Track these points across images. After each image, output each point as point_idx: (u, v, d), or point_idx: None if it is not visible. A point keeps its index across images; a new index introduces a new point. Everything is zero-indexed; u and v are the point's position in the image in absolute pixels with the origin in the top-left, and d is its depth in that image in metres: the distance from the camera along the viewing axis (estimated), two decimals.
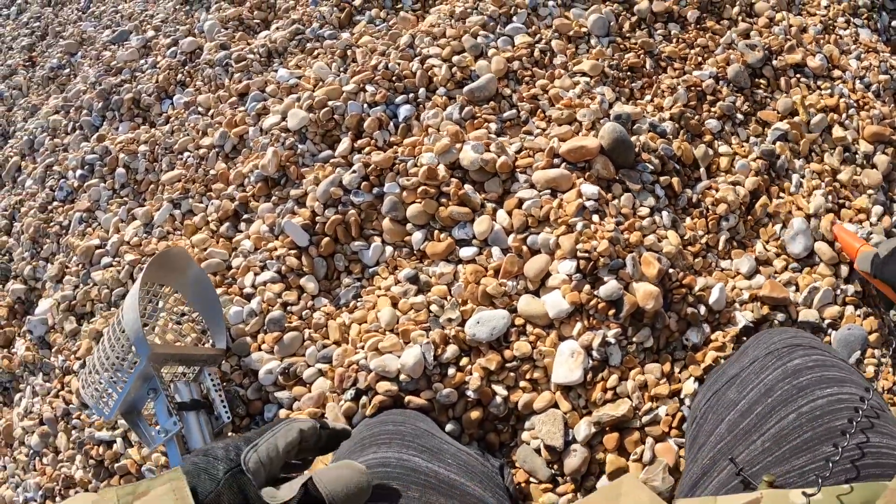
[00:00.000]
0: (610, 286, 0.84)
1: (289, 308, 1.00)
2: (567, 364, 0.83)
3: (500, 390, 0.86)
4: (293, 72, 1.20)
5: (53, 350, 1.19)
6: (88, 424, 1.06)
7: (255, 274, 1.03)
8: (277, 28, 1.30)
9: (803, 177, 1.08)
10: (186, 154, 1.22)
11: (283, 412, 0.93)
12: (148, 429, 0.84)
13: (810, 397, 0.52)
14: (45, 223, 1.32)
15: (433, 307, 0.92)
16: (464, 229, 0.94)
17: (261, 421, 0.96)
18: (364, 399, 0.88)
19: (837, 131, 1.14)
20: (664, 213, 0.95)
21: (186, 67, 1.35)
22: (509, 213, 0.93)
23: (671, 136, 1.04)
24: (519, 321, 0.88)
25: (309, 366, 0.95)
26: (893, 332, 0.95)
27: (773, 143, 1.09)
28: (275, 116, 1.14)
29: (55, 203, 1.33)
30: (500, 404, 0.86)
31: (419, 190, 0.97)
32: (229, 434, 0.94)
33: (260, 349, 0.98)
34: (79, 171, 1.32)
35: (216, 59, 1.30)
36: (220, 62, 1.29)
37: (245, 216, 1.11)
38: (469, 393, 0.86)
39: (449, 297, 0.92)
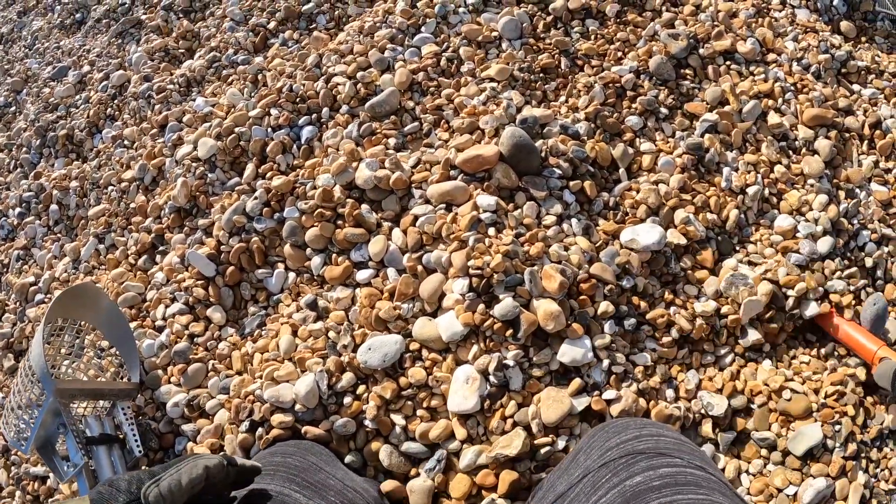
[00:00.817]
0: (504, 305, 0.75)
1: (195, 339, 0.93)
2: (462, 391, 0.75)
3: (399, 419, 0.78)
4: (208, 100, 1.14)
5: None
6: (25, 460, 1.01)
7: (166, 306, 0.97)
8: (199, 56, 1.24)
9: (736, 170, 0.97)
10: (111, 188, 1.17)
11: (189, 445, 0.87)
12: (60, 463, 0.81)
13: None
14: None
15: (331, 333, 0.84)
16: (360, 251, 0.87)
17: (172, 454, 0.89)
18: (260, 430, 0.81)
19: (773, 118, 1.03)
20: (573, 221, 0.86)
21: (115, 101, 1.30)
22: (404, 232, 0.85)
23: (586, 137, 0.94)
24: (414, 346, 0.79)
25: (212, 397, 0.88)
26: None
27: (702, 135, 0.99)
28: (187, 146, 1.09)
29: None
30: (399, 434, 0.78)
31: (316, 213, 0.89)
32: (143, 468, 0.89)
33: (169, 381, 0.91)
34: (17, 209, 1.29)
35: (140, 92, 1.25)
36: (143, 94, 1.24)
37: (161, 248, 1.05)
38: (367, 422, 0.78)
39: (346, 323, 0.84)
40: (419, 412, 0.78)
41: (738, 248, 0.92)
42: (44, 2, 1.79)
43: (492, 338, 0.76)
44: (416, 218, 0.84)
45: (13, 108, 1.50)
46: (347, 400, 0.79)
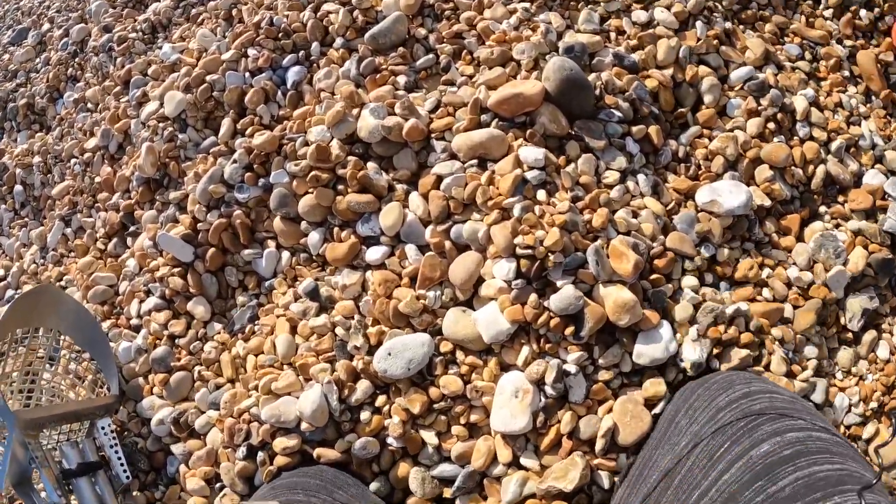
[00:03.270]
0: (564, 295, 0.50)
1: (177, 341, 0.69)
2: (509, 406, 0.51)
3: (430, 437, 0.55)
4: (176, 46, 0.85)
5: None
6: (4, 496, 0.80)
7: (140, 301, 0.72)
8: None
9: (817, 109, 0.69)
10: (73, 161, 0.90)
11: (182, 468, 0.64)
12: (40, 501, 0.59)
13: None
14: None
15: (339, 330, 0.60)
16: (368, 223, 0.61)
17: (164, 475, 0.67)
18: (262, 455, 0.58)
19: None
20: (640, 177, 0.60)
21: (77, 59, 1.01)
22: (425, 197, 0.59)
23: (643, 69, 0.66)
24: (446, 346, 0.55)
25: (201, 412, 0.65)
26: None
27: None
28: (153, 103, 0.80)
29: None
30: (432, 454, 0.55)
31: (310, 177, 0.63)
32: (134, 494, 0.66)
33: (152, 392, 0.68)
34: None
35: (100, 45, 0.95)
36: (104, 47, 0.95)
37: (132, 228, 0.79)
38: (391, 441, 0.55)
39: (356, 316, 0.60)
40: (455, 429, 0.55)
41: (822, 209, 0.65)
42: None
43: (547, 337, 0.52)
44: (439, 178, 0.58)
45: None
46: (365, 415, 0.56)
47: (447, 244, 0.56)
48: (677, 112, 0.65)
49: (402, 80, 0.65)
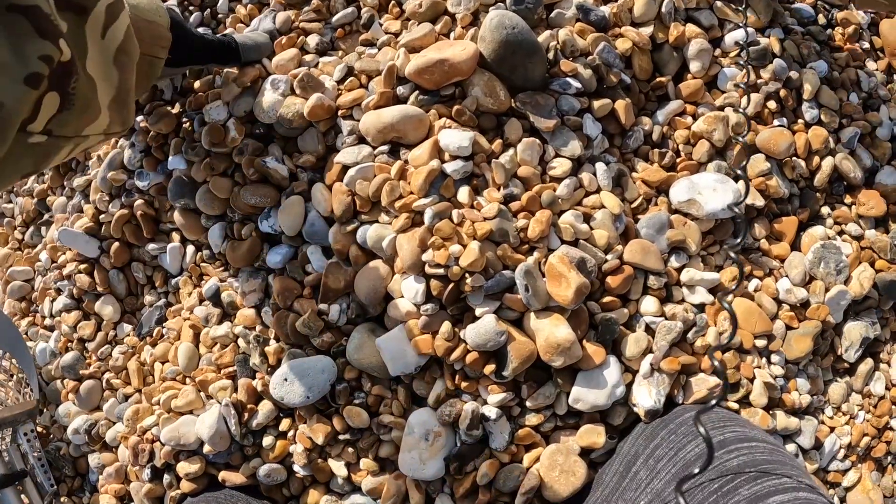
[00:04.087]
0: (482, 328, 0.38)
1: (86, 345, 0.61)
2: (418, 449, 0.41)
3: (339, 468, 0.46)
4: None
5: None
6: None
7: (52, 300, 0.64)
8: None
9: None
10: None
11: (100, 480, 0.58)
12: None
13: None
14: None
15: (241, 342, 0.50)
16: (268, 220, 0.49)
17: (88, 482, 0.61)
18: (168, 478, 0.51)
19: None
20: (599, 166, 0.46)
21: None
22: (330, 189, 0.46)
23: (614, 26, 0.50)
24: (350, 373, 0.45)
25: (112, 424, 0.58)
26: None
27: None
28: None
29: None
30: (342, 484, 0.47)
31: (204, 163, 0.51)
32: (62, 500, 0.61)
33: (68, 397, 0.61)
34: None
35: None
36: None
37: (46, 216, 0.69)
38: (297, 469, 0.47)
39: (259, 326, 0.50)
40: (364, 461, 0.45)
41: (824, 211, 0.51)
42: None
43: (464, 372, 0.41)
44: (344, 168, 0.45)
45: None
46: (268, 440, 0.48)
47: (353, 250, 0.44)
48: (654, 81, 0.50)
49: (313, 41, 0.51)
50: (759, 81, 0.50)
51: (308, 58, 0.50)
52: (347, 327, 0.45)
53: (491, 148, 0.44)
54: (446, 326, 0.40)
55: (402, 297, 0.41)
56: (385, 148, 0.44)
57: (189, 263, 0.56)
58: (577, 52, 0.47)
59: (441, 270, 0.39)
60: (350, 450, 0.46)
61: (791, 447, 0.44)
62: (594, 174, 0.45)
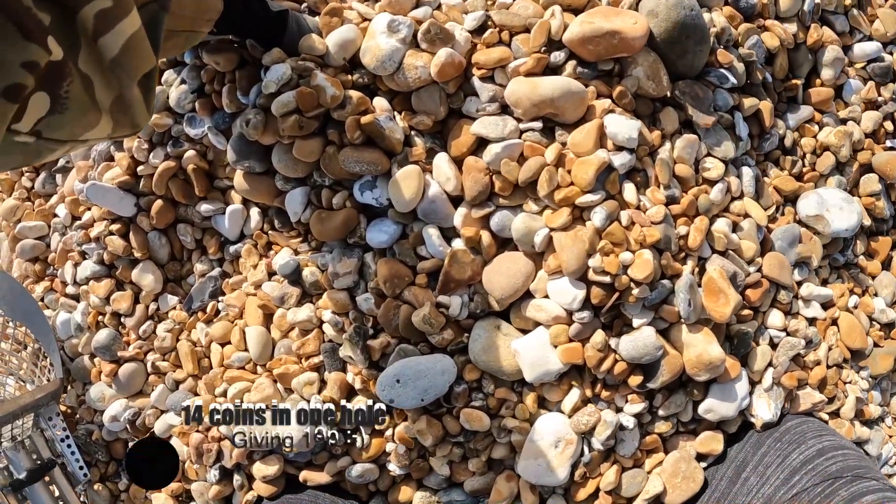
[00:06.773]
0: (642, 341, 0.35)
1: (122, 320, 0.50)
2: (547, 457, 0.38)
3: (441, 467, 0.42)
4: None
5: None
6: None
7: (75, 264, 0.51)
8: None
9: None
10: None
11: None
12: None
13: None
14: None
15: (328, 328, 0.43)
16: (371, 191, 0.41)
17: (121, 467, 0.53)
18: (238, 479, 0.44)
19: None
20: (745, 170, 0.43)
21: None
22: (457, 163, 0.39)
23: (758, 17, 0.46)
24: (472, 374, 0.40)
25: (161, 412, 0.49)
26: None
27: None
28: None
29: None
30: (441, 482, 0.43)
31: (291, 120, 0.40)
32: (96, 487, 0.52)
33: (101, 378, 0.50)
34: None
35: None
36: None
37: (61, 162, 0.54)
38: (392, 467, 0.42)
39: (351, 312, 0.43)
40: (473, 461, 0.42)
41: None
42: None
43: (605, 381, 0.38)
44: (481, 141, 0.38)
45: None
46: (363, 439, 0.42)
47: (485, 237, 0.38)
48: (789, 83, 0.47)
49: None
50: (878, 99, 0.49)
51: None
52: (467, 321, 0.40)
53: (652, 139, 0.39)
54: (599, 336, 0.36)
55: (549, 298, 0.37)
56: (537, 125, 0.37)
57: (254, 230, 0.46)
58: (731, 41, 0.42)
59: (607, 279, 0.34)
60: (457, 450, 0.42)
61: None
62: (739, 177, 0.42)
